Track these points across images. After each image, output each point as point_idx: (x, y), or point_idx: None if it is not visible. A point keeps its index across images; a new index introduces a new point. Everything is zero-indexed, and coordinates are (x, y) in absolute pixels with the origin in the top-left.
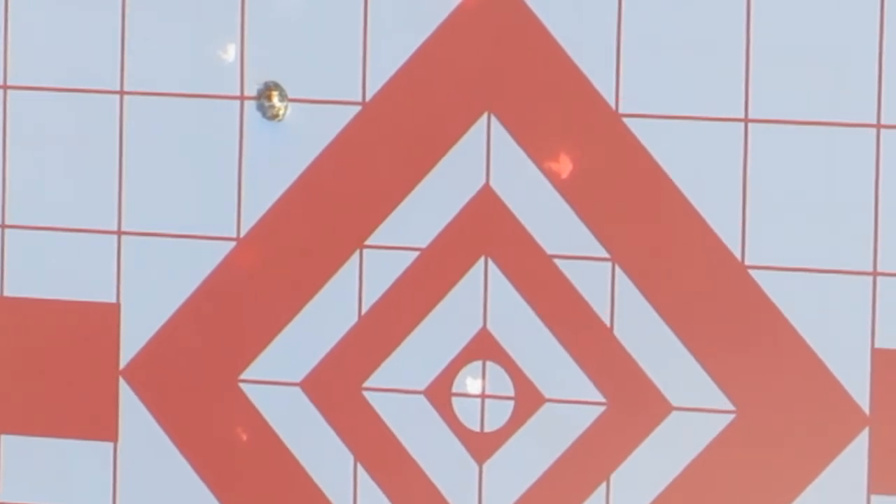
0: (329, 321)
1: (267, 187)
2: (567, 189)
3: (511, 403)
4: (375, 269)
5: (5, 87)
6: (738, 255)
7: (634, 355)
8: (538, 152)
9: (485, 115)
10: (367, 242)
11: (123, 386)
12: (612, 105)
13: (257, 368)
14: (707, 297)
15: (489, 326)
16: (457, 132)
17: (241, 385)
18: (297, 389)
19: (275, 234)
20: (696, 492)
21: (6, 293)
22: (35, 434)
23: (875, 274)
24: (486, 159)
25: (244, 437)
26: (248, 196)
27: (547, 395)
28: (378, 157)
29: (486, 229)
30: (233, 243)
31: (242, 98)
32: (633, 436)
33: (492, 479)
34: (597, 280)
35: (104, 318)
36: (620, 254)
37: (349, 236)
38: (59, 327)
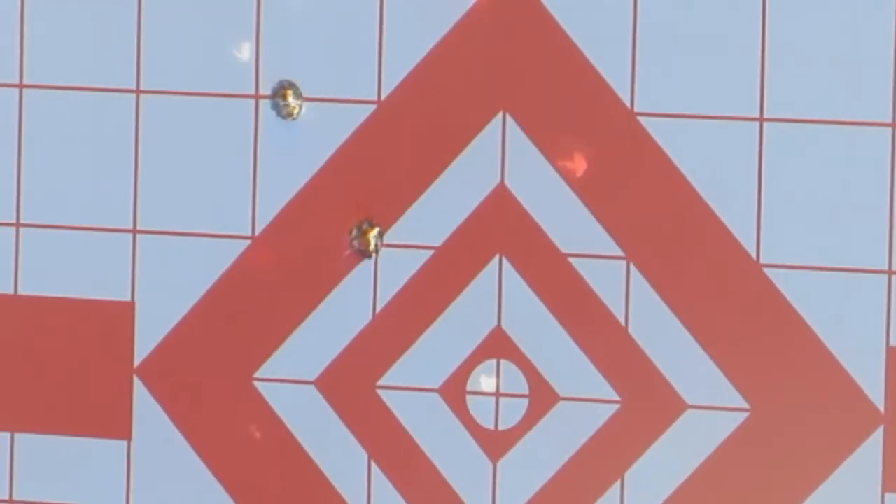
0: (343, 319)
1: (281, 186)
2: (581, 188)
3: (525, 401)
4: (390, 268)
5: (21, 87)
6: (752, 254)
7: (649, 353)
8: (553, 151)
9: (500, 114)
10: (382, 241)
11: (138, 384)
12: (627, 104)
13: (271, 367)
14: (722, 296)
15: (503, 325)
16: (472, 131)
17: (256, 383)
18: (312, 388)
19: (289, 232)
20: (710, 489)
21: (21, 291)
22: (49, 432)
23: (890, 273)
24: (501, 158)
25: (258, 436)
26: (263, 195)
27: (561, 394)
28: (393, 156)
29: (500, 228)
30: (247, 242)
31: (257, 97)
32: (647, 434)
33: (506, 477)
34: (611, 278)
35: (119, 316)
36: (635, 252)
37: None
38: (74, 326)
